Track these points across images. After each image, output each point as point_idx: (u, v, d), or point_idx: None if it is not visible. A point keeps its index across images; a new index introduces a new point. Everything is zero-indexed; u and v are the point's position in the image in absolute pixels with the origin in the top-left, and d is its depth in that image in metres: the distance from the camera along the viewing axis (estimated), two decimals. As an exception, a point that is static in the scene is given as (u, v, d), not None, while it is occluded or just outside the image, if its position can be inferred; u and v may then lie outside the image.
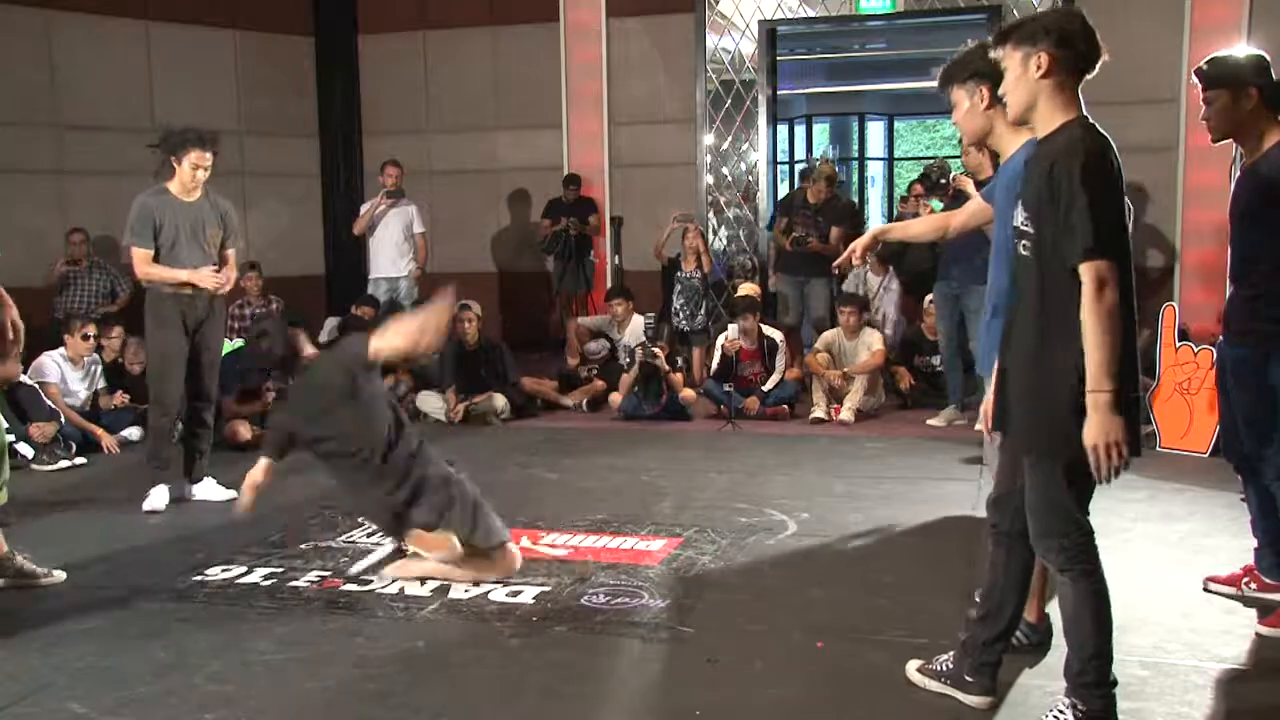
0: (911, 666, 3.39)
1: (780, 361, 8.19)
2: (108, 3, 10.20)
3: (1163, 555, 4.67)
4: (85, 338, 7.46)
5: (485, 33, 11.34)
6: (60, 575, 4.44)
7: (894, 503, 5.24)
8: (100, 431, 7.14)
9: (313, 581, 4.43)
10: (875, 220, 15.92)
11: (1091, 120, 2.87)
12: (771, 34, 10.52)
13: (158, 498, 5.58)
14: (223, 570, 4.56)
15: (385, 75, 11.59)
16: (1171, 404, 6.73)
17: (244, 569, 4.57)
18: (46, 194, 9.94)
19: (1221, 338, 4.03)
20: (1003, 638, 3.22)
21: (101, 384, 7.61)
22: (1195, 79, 3.85)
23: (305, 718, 3.29)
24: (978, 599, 3.23)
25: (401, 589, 4.31)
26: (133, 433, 7.39)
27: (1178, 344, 6.76)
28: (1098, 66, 2.88)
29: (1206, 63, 3.86)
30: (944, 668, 3.30)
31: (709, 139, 10.68)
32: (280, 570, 4.56)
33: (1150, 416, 6.85)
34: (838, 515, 5.30)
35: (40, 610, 4.17)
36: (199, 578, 4.50)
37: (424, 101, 11.55)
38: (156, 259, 5.53)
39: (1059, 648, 3.62)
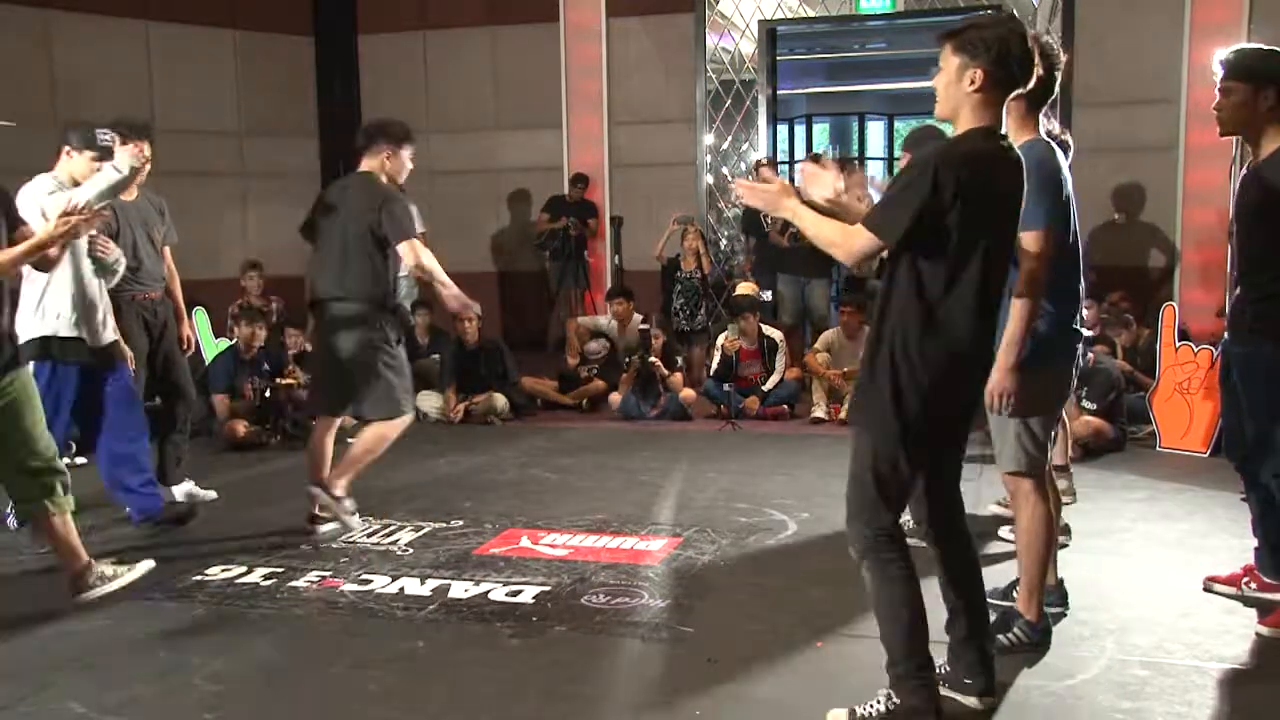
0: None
1: (780, 361, 8.19)
2: (108, 3, 10.20)
3: (1163, 555, 4.67)
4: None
5: (485, 33, 11.34)
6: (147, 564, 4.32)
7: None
8: (100, 431, 7.14)
9: (312, 581, 4.43)
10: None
11: (999, 132, 2.97)
12: (771, 34, 10.52)
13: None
14: (223, 570, 4.56)
15: (385, 75, 11.59)
16: (1171, 404, 6.73)
17: (244, 569, 4.57)
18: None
19: (1227, 335, 4.01)
20: (975, 634, 3.22)
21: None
22: (1218, 68, 3.82)
23: (305, 718, 3.29)
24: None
25: (401, 589, 4.31)
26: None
27: (1178, 344, 6.77)
28: (1031, 83, 3.00)
29: (1233, 53, 3.84)
30: (943, 671, 3.30)
31: (709, 139, 10.68)
32: (280, 570, 4.56)
33: (1150, 416, 6.86)
34: (838, 515, 5.23)
35: (40, 610, 4.17)
36: (199, 578, 4.50)
37: (424, 101, 11.55)
38: (127, 266, 5.29)
39: (1059, 647, 3.63)
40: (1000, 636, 3.60)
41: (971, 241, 2.88)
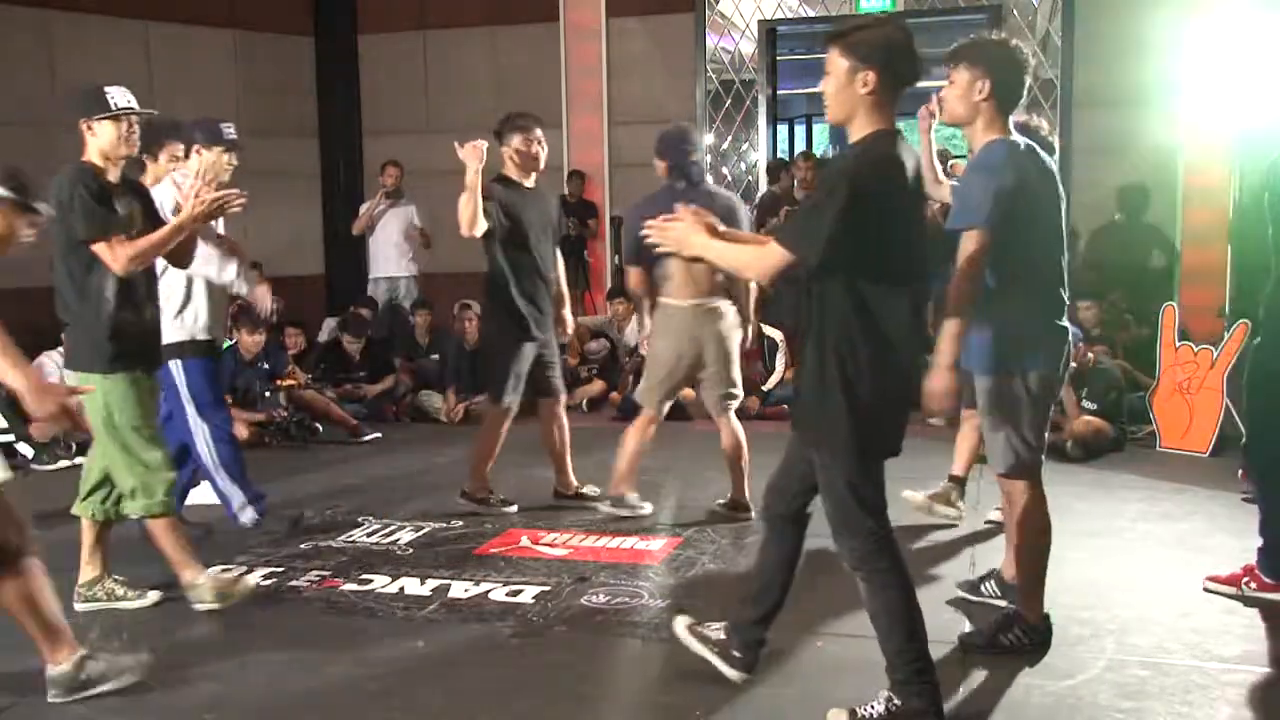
0: (680, 623, 3.44)
1: (780, 361, 8.18)
2: (108, 3, 10.19)
3: (1163, 555, 4.67)
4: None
5: (485, 33, 11.34)
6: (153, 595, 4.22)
7: (893, 503, 5.18)
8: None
9: (313, 581, 4.43)
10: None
11: (896, 130, 2.99)
12: (771, 34, 10.52)
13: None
14: (222, 570, 4.56)
15: (385, 75, 11.59)
16: (1171, 404, 6.73)
17: (244, 569, 4.57)
18: (46, 194, 9.94)
19: (1259, 339, 4.01)
20: (768, 619, 3.31)
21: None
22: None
23: (305, 718, 3.29)
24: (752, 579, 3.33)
25: (401, 589, 4.31)
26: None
27: (1178, 344, 6.76)
28: (917, 84, 3.03)
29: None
30: (714, 635, 3.36)
31: (709, 139, 10.67)
32: (280, 570, 4.56)
33: (1150, 416, 6.85)
34: (838, 515, 5.29)
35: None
36: (199, 578, 4.50)
37: (424, 101, 11.55)
38: None
39: (1059, 647, 3.63)
40: (1000, 637, 3.60)
41: (894, 246, 2.93)
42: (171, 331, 4.54)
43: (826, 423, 2.99)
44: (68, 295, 3.97)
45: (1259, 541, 4.06)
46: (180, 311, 4.69)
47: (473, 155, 5.07)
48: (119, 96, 3.98)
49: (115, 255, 3.87)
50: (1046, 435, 3.66)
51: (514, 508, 5.43)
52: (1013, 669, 3.47)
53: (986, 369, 3.56)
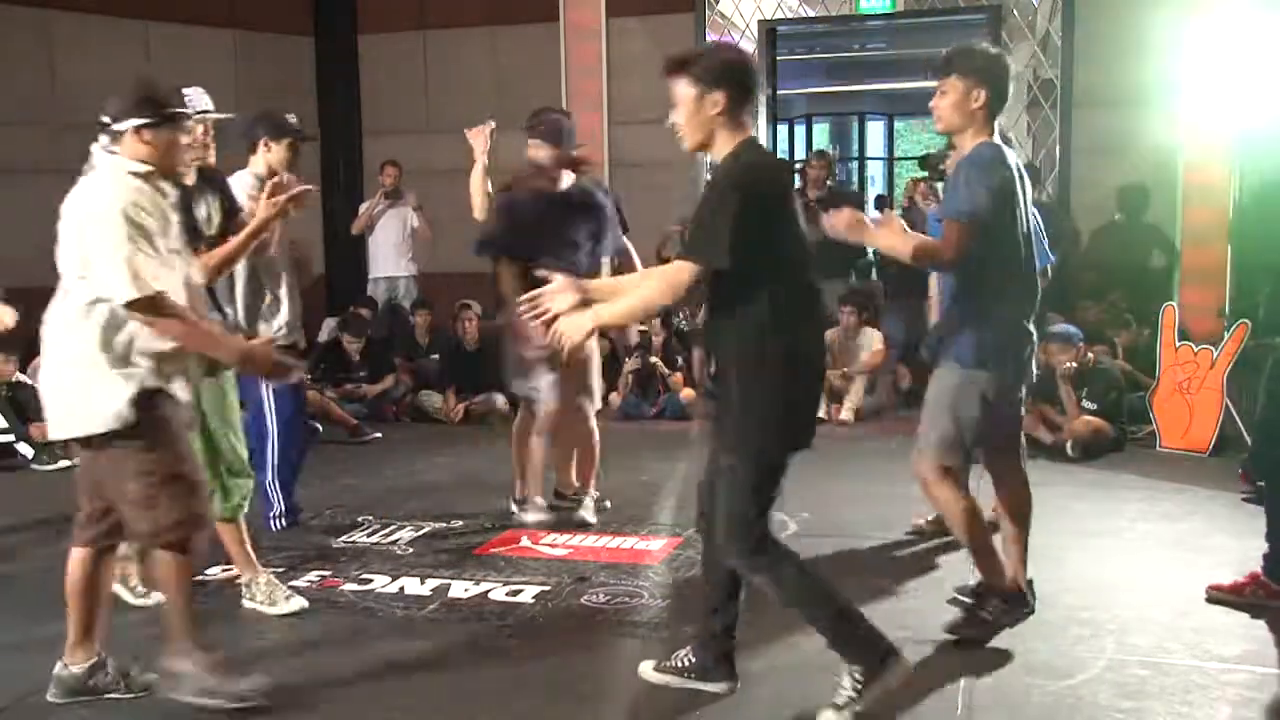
0: (646, 667, 3.39)
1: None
2: (108, 3, 10.19)
3: (1163, 555, 4.67)
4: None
5: (485, 33, 11.33)
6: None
7: (893, 502, 5.23)
8: (100, 431, 7.14)
9: (312, 581, 4.44)
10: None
11: (756, 141, 3.17)
12: (771, 34, 10.51)
13: None
14: (223, 570, 4.56)
15: (385, 75, 11.58)
16: (1171, 404, 6.73)
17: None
18: (46, 194, 9.94)
19: None
20: (732, 629, 3.30)
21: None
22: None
23: (306, 718, 3.29)
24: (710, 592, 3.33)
25: (401, 588, 4.31)
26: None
27: (1178, 344, 6.76)
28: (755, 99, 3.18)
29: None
30: (684, 663, 3.34)
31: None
32: (280, 570, 4.55)
33: (1150, 416, 6.86)
34: (838, 515, 5.30)
35: (41, 610, 4.17)
36: (199, 577, 4.49)
37: (424, 101, 11.54)
38: None
39: (1059, 646, 3.63)
40: (980, 613, 3.69)
41: (788, 245, 3.01)
42: (261, 333, 4.57)
43: (737, 430, 3.04)
44: None
45: (1265, 548, 4.01)
46: (265, 313, 4.70)
47: (476, 137, 5.10)
48: (197, 99, 4.03)
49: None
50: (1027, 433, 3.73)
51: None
52: (1013, 668, 3.47)
53: (947, 361, 3.63)
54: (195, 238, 3.81)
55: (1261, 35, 7.47)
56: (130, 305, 3.03)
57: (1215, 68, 7.60)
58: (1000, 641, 3.69)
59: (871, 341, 7.99)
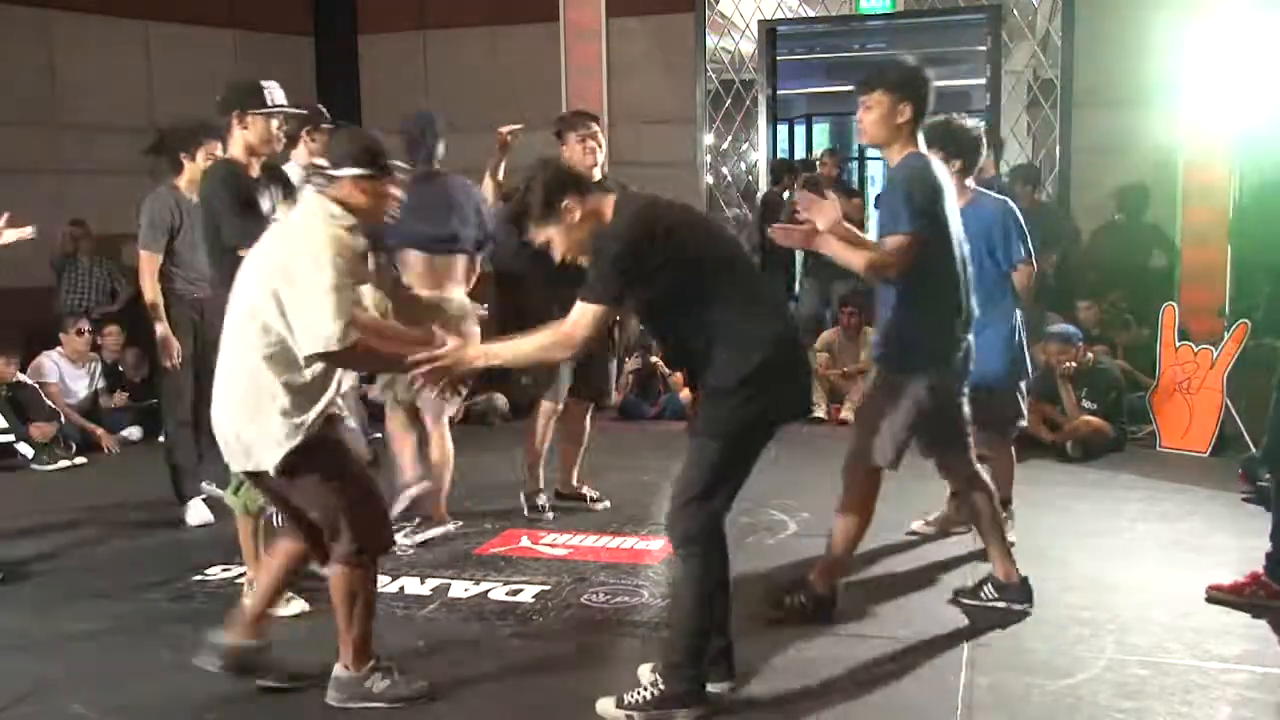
0: (606, 706, 3.23)
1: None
2: (108, 3, 10.19)
3: (1163, 555, 4.67)
4: (80, 333, 7.47)
5: (485, 33, 11.33)
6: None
7: (893, 502, 5.21)
8: (100, 431, 7.15)
9: (313, 581, 4.42)
10: (874, 216, 15.92)
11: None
12: (771, 34, 10.51)
13: (195, 513, 5.34)
14: (223, 570, 4.56)
15: (385, 75, 11.58)
16: (1171, 404, 6.73)
17: (244, 569, 4.56)
18: (46, 194, 9.94)
19: None
20: (723, 626, 3.32)
21: (101, 383, 7.61)
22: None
23: (305, 717, 3.29)
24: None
25: (401, 588, 4.31)
26: (133, 432, 7.40)
27: (1178, 344, 6.76)
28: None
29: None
30: (650, 692, 3.20)
31: (709, 139, 10.66)
32: (280, 570, 4.55)
33: (1150, 416, 6.85)
34: (837, 515, 5.29)
35: (41, 610, 4.18)
36: (199, 578, 4.50)
37: (424, 101, 11.52)
38: (174, 263, 5.29)
39: (1059, 646, 3.63)
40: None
41: (700, 267, 3.08)
42: None
43: (715, 419, 3.13)
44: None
45: (1268, 548, 4.01)
46: None
47: (499, 139, 5.17)
48: (276, 93, 4.06)
49: None
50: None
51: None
52: (1013, 668, 3.47)
53: (885, 365, 3.82)
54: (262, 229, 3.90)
55: (1261, 35, 7.47)
56: (330, 351, 3.02)
57: (1215, 68, 7.60)
58: (1000, 641, 3.69)
59: (871, 342, 7.98)
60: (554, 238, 3.15)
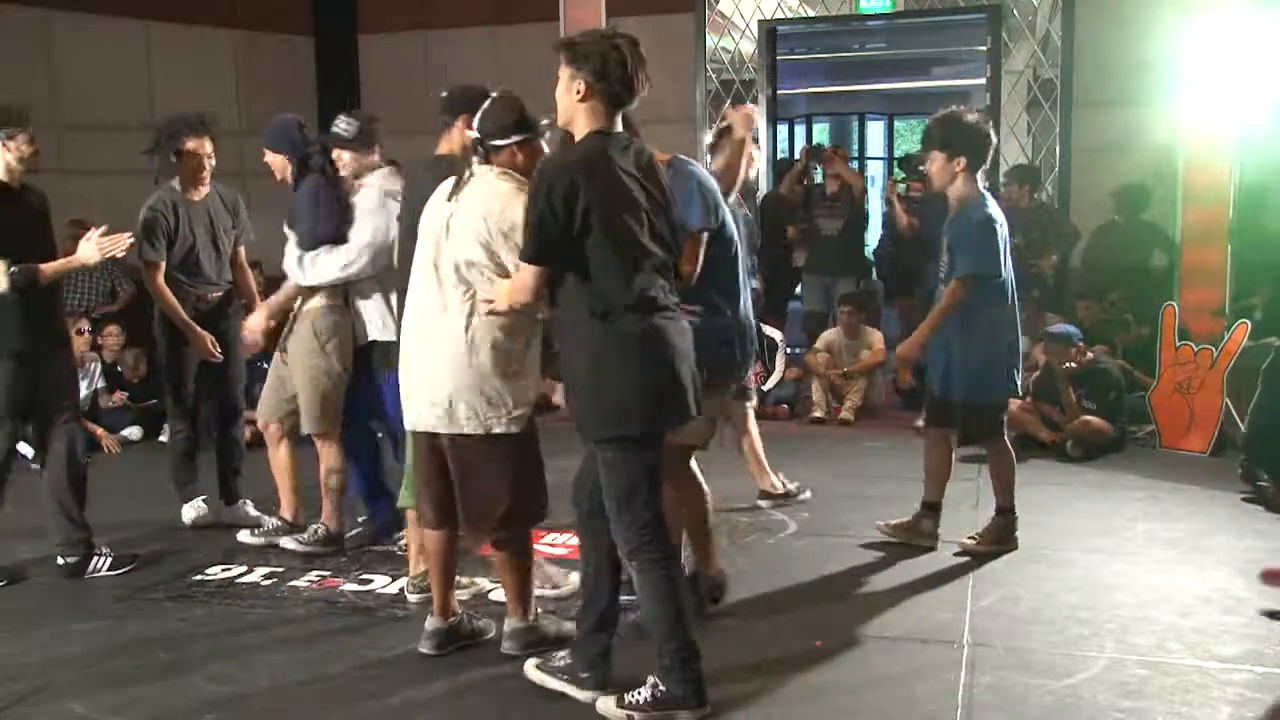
0: (530, 665, 3.40)
1: (780, 361, 8.16)
2: (108, 3, 10.19)
3: (1163, 555, 4.67)
4: (79, 332, 7.47)
5: (485, 33, 11.33)
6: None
7: (894, 503, 5.23)
8: (100, 431, 7.15)
9: (313, 581, 4.44)
10: (876, 216, 15.94)
11: (612, 134, 3.19)
12: (771, 34, 10.51)
13: (190, 513, 5.30)
14: (223, 570, 4.57)
15: (385, 75, 11.58)
16: (1171, 403, 6.72)
17: (244, 569, 4.57)
18: (46, 194, 9.95)
19: None
20: (603, 627, 3.30)
21: (101, 384, 7.61)
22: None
23: (305, 718, 3.30)
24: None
25: (402, 588, 4.31)
26: (133, 432, 7.40)
27: (1178, 344, 6.76)
28: (636, 99, 3.23)
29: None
30: (561, 663, 3.35)
31: (709, 139, 10.67)
32: (280, 570, 4.56)
33: (1151, 416, 6.85)
34: (838, 515, 5.30)
35: (41, 610, 4.18)
36: (199, 578, 4.50)
37: (424, 101, 11.52)
38: (179, 266, 5.22)
39: (1059, 646, 3.63)
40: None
41: (620, 236, 3.04)
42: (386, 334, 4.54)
43: (602, 420, 3.08)
44: None
45: (1266, 541, 4.03)
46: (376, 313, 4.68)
47: None
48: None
49: None
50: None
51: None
52: (1013, 668, 3.47)
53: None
54: None
55: (1261, 35, 7.47)
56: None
57: (1215, 68, 7.59)
58: (1000, 641, 3.69)
59: (871, 341, 7.99)
60: (561, 86, 3.33)
